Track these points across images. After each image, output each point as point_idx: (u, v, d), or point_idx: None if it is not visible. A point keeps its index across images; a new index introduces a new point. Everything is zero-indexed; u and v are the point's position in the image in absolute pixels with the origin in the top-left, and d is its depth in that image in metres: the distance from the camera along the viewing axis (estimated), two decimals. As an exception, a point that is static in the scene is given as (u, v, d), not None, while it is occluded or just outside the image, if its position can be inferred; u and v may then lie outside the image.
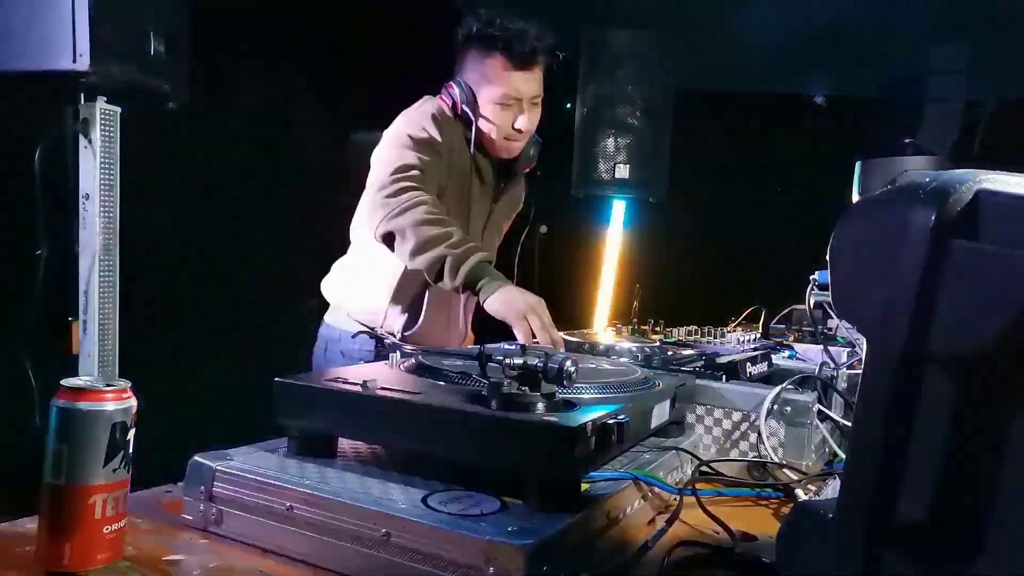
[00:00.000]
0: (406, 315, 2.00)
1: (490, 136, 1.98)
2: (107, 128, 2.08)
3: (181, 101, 2.21)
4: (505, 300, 1.61)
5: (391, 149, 1.84)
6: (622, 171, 3.14)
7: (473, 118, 1.95)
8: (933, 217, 0.54)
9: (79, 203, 2.04)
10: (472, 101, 1.95)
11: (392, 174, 1.76)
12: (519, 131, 1.99)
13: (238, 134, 3.36)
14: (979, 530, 0.53)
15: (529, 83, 1.96)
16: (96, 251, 2.05)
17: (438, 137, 1.89)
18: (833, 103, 4.86)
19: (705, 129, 4.56)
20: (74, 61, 1.90)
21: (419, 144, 1.85)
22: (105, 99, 2.07)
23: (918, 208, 0.55)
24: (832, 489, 1.11)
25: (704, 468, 1.17)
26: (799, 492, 1.13)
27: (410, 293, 2.00)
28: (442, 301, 2.04)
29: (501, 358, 0.92)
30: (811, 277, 1.73)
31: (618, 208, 3.64)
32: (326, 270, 2.17)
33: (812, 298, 1.74)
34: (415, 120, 1.91)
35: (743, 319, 2.26)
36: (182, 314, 2.97)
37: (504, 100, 1.94)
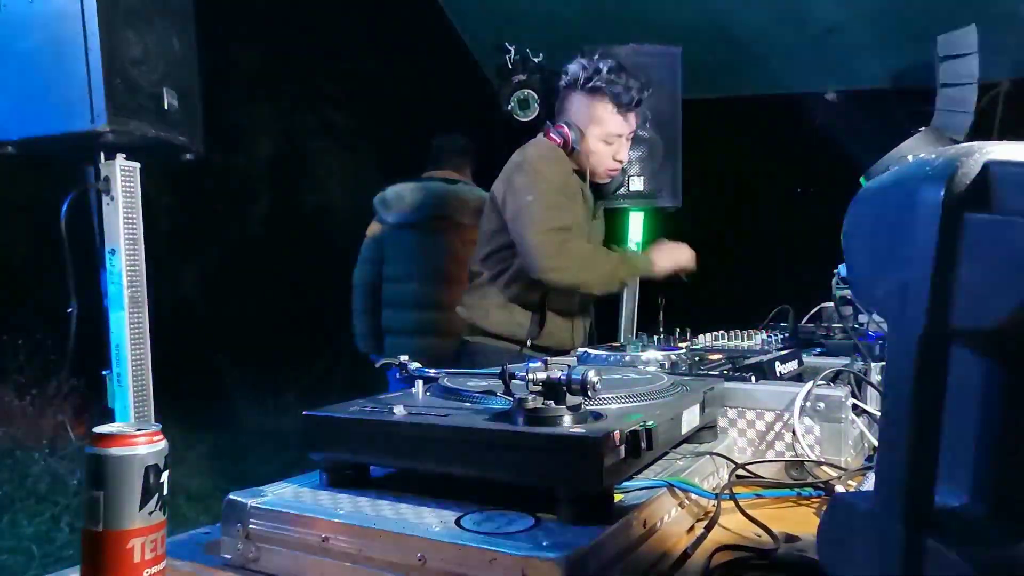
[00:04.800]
0: (534, 323, 2.31)
1: (596, 167, 2.37)
2: (128, 183, 2.12)
3: (197, 153, 2.25)
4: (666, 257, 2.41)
5: (544, 208, 2.16)
6: (636, 183, 3.13)
7: (583, 153, 2.32)
8: (942, 192, 0.53)
9: (105, 258, 2.08)
10: (580, 139, 2.31)
11: (555, 230, 2.14)
12: (620, 162, 2.40)
13: (257, 181, 3.43)
14: (1020, 506, 0.51)
15: (629, 123, 2.34)
16: (125, 304, 2.08)
17: (571, 181, 2.29)
18: (845, 97, 4.82)
19: (718, 134, 4.55)
20: (92, 121, 1.95)
21: (569, 196, 2.26)
22: (124, 155, 2.12)
23: (926, 185, 0.54)
24: (871, 481, 1.08)
25: (740, 471, 1.16)
26: (839, 488, 1.11)
27: (534, 303, 2.31)
28: (562, 304, 2.34)
29: (524, 374, 0.92)
30: (834, 271, 1.71)
31: (635, 220, 3.62)
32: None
33: (836, 291, 1.72)
34: (557, 169, 2.25)
35: (770, 321, 2.23)
36: (213, 358, 3.01)
37: (609, 138, 2.32)
